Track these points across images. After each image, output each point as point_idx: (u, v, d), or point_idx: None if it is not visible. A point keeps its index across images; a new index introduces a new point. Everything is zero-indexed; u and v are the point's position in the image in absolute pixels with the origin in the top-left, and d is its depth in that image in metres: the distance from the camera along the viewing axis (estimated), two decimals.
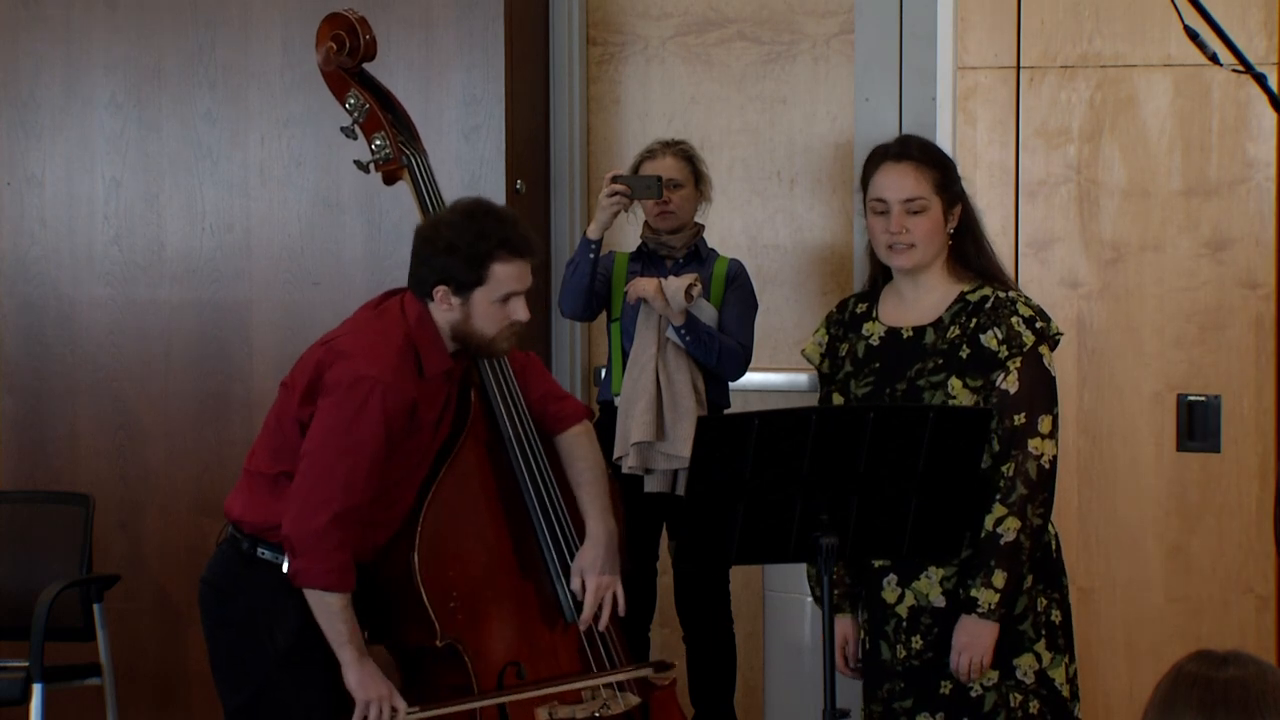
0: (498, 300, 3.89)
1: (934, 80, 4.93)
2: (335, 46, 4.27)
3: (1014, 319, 3.68)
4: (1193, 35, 3.52)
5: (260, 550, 3.92)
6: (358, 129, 4.29)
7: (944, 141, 4.83)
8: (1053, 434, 3.66)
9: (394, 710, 3.86)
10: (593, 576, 4.08)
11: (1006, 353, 3.66)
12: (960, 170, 4.80)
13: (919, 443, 3.30)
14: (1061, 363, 4.76)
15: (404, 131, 4.31)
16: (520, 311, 3.91)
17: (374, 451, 3.81)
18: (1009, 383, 3.65)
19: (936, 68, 4.91)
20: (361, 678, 3.84)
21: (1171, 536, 4.77)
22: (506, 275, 3.88)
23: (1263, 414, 4.72)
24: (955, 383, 3.66)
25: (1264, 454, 4.72)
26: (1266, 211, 4.70)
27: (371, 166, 4.30)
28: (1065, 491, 4.77)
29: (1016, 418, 3.62)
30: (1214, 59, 3.53)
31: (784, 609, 5.20)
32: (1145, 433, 4.77)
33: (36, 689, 5.00)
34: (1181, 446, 4.77)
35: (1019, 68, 4.81)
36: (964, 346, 3.68)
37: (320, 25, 4.32)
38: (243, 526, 3.95)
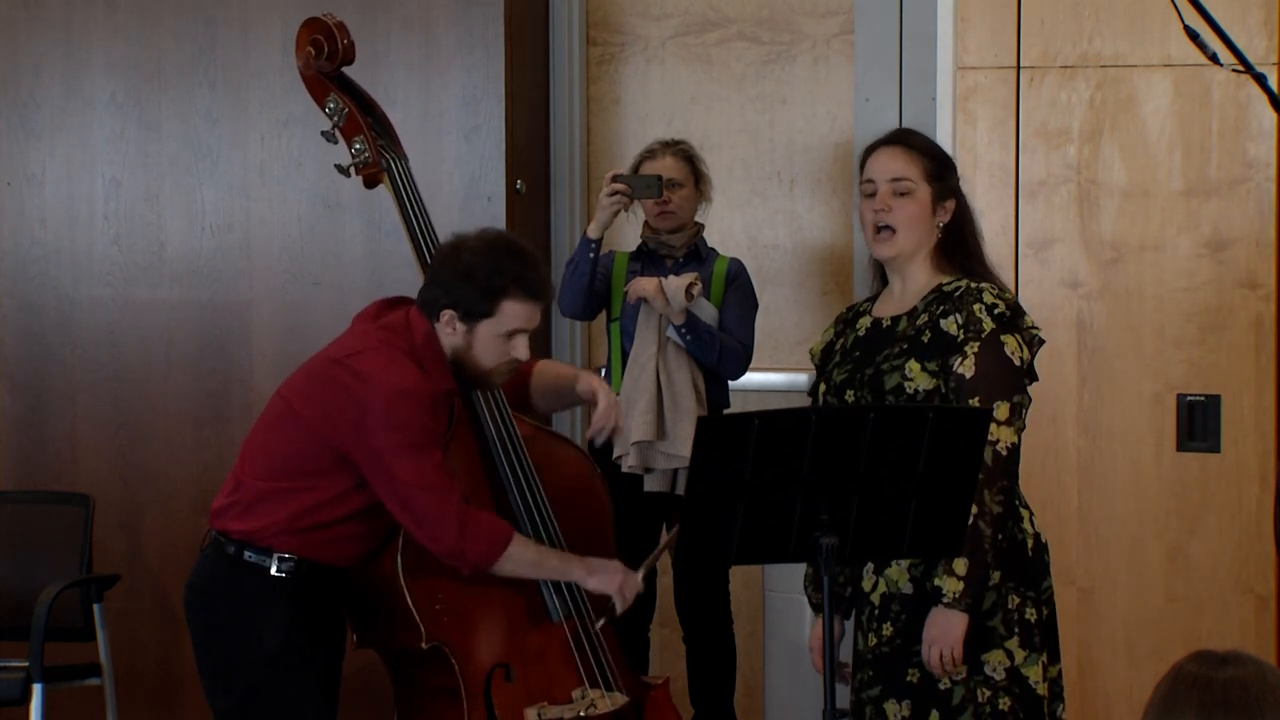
0: (502, 335, 3.90)
1: (934, 80, 4.94)
2: (314, 51, 4.28)
3: (976, 305, 3.67)
4: (1193, 35, 3.52)
5: (246, 554, 3.91)
6: (338, 133, 4.29)
7: (944, 141, 4.83)
8: (1011, 421, 3.63)
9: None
10: (604, 394, 4.16)
11: (964, 337, 3.65)
12: (960, 170, 4.81)
13: (919, 443, 3.30)
14: (1061, 362, 4.76)
15: (384, 135, 4.31)
16: (521, 350, 3.93)
17: (439, 439, 3.86)
18: (964, 367, 3.64)
19: (936, 68, 4.91)
20: (603, 576, 4.00)
21: (1171, 536, 4.77)
22: (515, 314, 3.90)
23: (1263, 414, 4.72)
24: (913, 365, 3.67)
25: (1264, 454, 4.72)
26: (1266, 211, 4.71)
27: (352, 170, 4.30)
28: (1065, 491, 4.78)
29: (971, 402, 3.61)
30: (1214, 59, 3.53)
31: (784, 609, 5.21)
32: (1145, 433, 4.77)
33: (36, 689, 5.00)
34: (1181, 446, 4.77)
35: (1019, 68, 4.82)
36: (926, 331, 3.69)
37: (299, 30, 4.33)
38: (230, 533, 3.94)
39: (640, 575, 4.04)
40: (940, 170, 3.78)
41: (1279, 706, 2.25)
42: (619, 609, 4.02)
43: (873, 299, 3.89)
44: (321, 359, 3.96)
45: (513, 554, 3.88)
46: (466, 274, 3.88)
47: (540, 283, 3.95)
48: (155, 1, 5.54)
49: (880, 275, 3.89)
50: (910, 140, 3.81)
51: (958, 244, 3.80)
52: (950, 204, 3.78)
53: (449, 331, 3.90)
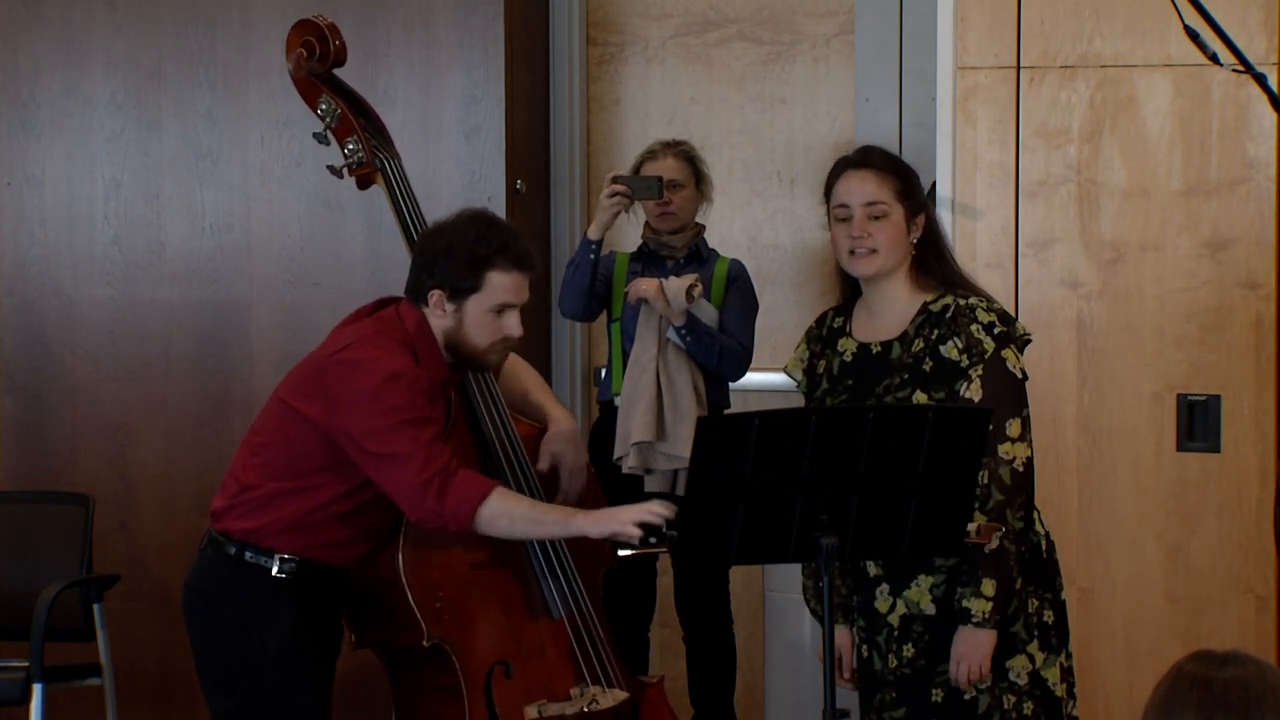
0: (491, 310, 3.88)
1: (934, 80, 4.93)
2: (305, 53, 4.28)
3: (973, 326, 3.66)
4: (1193, 35, 3.52)
5: (248, 554, 3.91)
6: (330, 134, 4.29)
7: (944, 141, 4.83)
8: (1023, 436, 3.64)
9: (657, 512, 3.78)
10: (566, 462, 4.14)
11: (967, 362, 3.64)
12: (960, 170, 4.81)
13: (919, 443, 3.30)
14: (1061, 363, 4.76)
15: (376, 135, 4.31)
16: (514, 327, 3.91)
17: (432, 419, 3.82)
18: (972, 391, 3.63)
19: (936, 68, 4.90)
20: (600, 521, 3.81)
21: (1171, 536, 4.77)
22: (502, 285, 3.88)
23: (1263, 414, 4.72)
24: (920, 396, 3.65)
25: (1264, 454, 4.72)
26: (1266, 211, 4.70)
27: (345, 171, 4.29)
28: (1065, 492, 4.77)
29: None
30: (1214, 59, 3.52)
31: (784, 609, 5.21)
32: (1145, 433, 4.77)
33: (36, 689, 5.00)
34: (1181, 446, 4.76)
35: (1019, 68, 4.81)
36: (927, 359, 3.68)
37: (289, 33, 4.33)
38: (231, 534, 3.93)
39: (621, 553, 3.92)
40: (909, 187, 3.77)
41: (1279, 706, 2.25)
42: (635, 539, 3.77)
43: (842, 312, 3.86)
44: (315, 356, 3.97)
45: (495, 509, 3.79)
46: (449, 251, 3.88)
47: (524, 252, 3.92)
48: (155, 1, 5.54)
49: (848, 287, 3.87)
50: (877, 161, 3.78)
51: (932, 257, 3.79)
52: (921, 219, 3.78)
53: (439, 314, 3.90)
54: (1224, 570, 4.75)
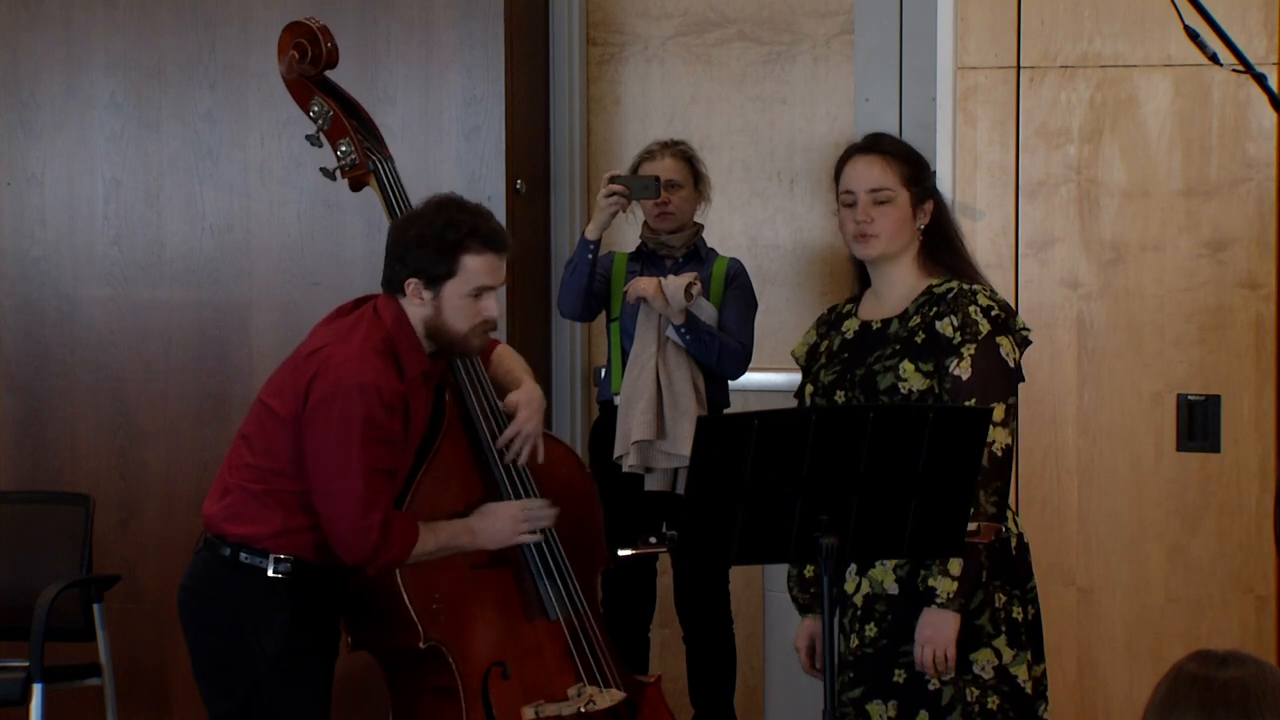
0: (469, 294, 3.88)
1: (934, 80, 4.93)
2: (297, 55, 4.27)
3: (971, 307, 3.68)
4: (1193, 35, 3.52)
5: (243, 555, 3.90)
6: (322, 136, 4.29)
7: (944, 141, 4.83)
8: (1006, 422, 3.65)
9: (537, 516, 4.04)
10: (526, 409, 4.11)
11: (960, 339, 3.66)
12: (960, 170, 4.82)
13: (919, 443, 3.30)
14: (1061, 363, 4.76)
15: (369, 137, 4.30)
16: (492, 309, 3.91)
17: (384, 450, 3.82)
18: (961, 368, 3.65)
19: (936, 68, 4.91)
20: (489, 532, 3.98)
21: (1171, 536, 4.77)
22: (476, 268, 3.88)
23: (1263, 414, 4.72)
24: (907, 366, 3.67)
25: (1264, 454, 4.72)
26: (1266, 211, 4.70)
27: (338, 173, 4.29)
28: (1065, 492, 4.78)
29: (968, 404, 3.62)
30: (1214, 59, 3.53)
31: (784, 609, 5.19)
32: (1145, 433, 4.77)
33: (36, 689, 5.00)
34: (1181, 446, 4.76)
35: (1019, 68, 4.81)
36: (920, 332, 3.69)
37: (281, 34, 4.32)
38: (226, 536, 3.93)
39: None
40: (917, 173, 3.79)
41: (1279, 706, 2.25)
42: (532, 538, 4.04)
43: (854, 300, 3.89)
44: (291, 356, 3.97)
45: (420, 550, 3.88)
46: (420, 239, 3.88)
47: (495, 232, 3.92)
48: (155, 1, 5.53)
49: (860, 276, 3.89)
50: (885, 146, 3.81)
51: (941, 244, 3.81)
52: (929, 206, 3.80)
53: (417, 303, 3.89)
54: (1224, 570, 4.75)
